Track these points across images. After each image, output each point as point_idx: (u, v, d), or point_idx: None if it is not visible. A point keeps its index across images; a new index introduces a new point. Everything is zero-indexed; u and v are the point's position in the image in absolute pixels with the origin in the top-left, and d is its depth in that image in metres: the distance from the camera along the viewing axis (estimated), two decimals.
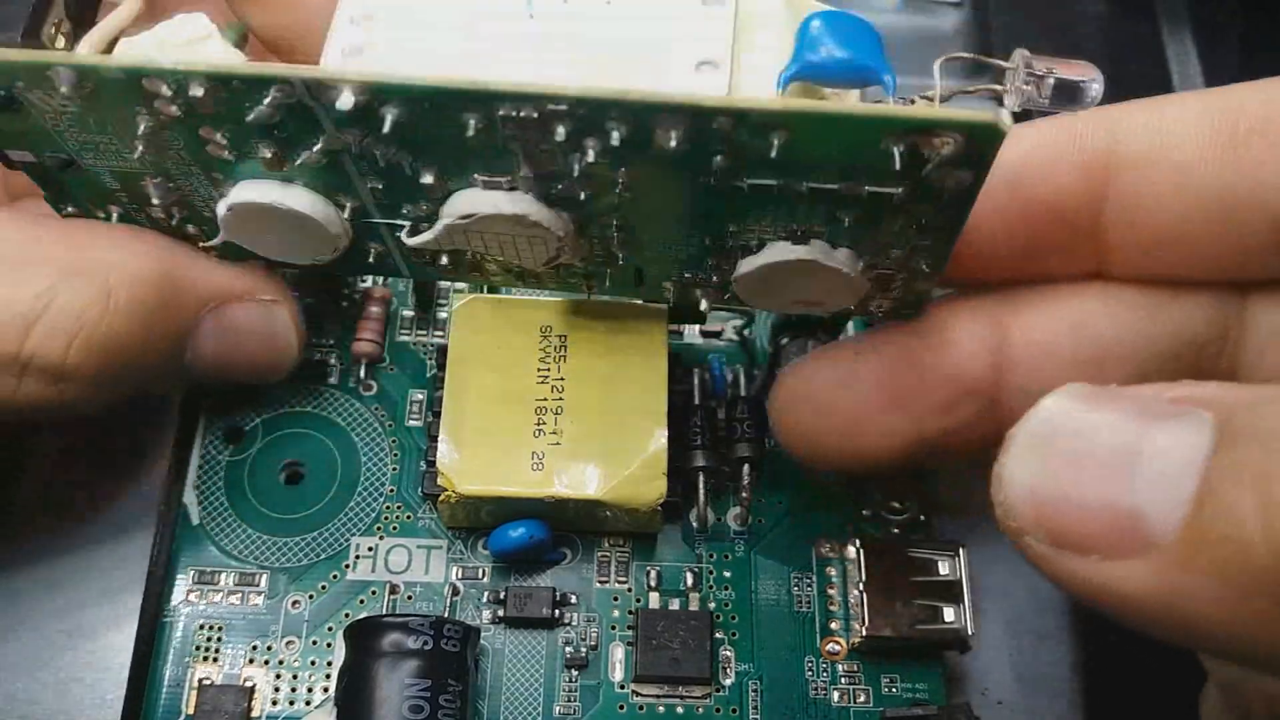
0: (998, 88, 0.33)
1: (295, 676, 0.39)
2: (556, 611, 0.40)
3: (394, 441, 0.43)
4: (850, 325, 0.45)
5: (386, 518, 0.42)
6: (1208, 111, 0.31)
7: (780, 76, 0.30)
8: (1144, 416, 0.25)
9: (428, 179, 0.31)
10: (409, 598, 0.41)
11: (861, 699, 0.40)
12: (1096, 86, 0.33)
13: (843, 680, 0.40)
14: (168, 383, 0.40)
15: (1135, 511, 0.24)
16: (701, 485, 0.41)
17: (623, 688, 0.40)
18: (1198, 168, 0.31)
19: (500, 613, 0.40)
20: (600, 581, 0.41)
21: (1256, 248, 0.32)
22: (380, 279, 0.46)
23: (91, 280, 0.35)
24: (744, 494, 0.42)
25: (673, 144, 0.28)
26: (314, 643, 0.40)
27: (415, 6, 0.32)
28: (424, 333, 0.45)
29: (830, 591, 0.41)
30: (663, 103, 0.27)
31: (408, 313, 0.45)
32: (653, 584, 0.41)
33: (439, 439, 0.39)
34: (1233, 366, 0.35)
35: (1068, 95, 0.33)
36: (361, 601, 0.41)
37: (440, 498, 0.39)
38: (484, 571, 0.41)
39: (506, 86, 0.28)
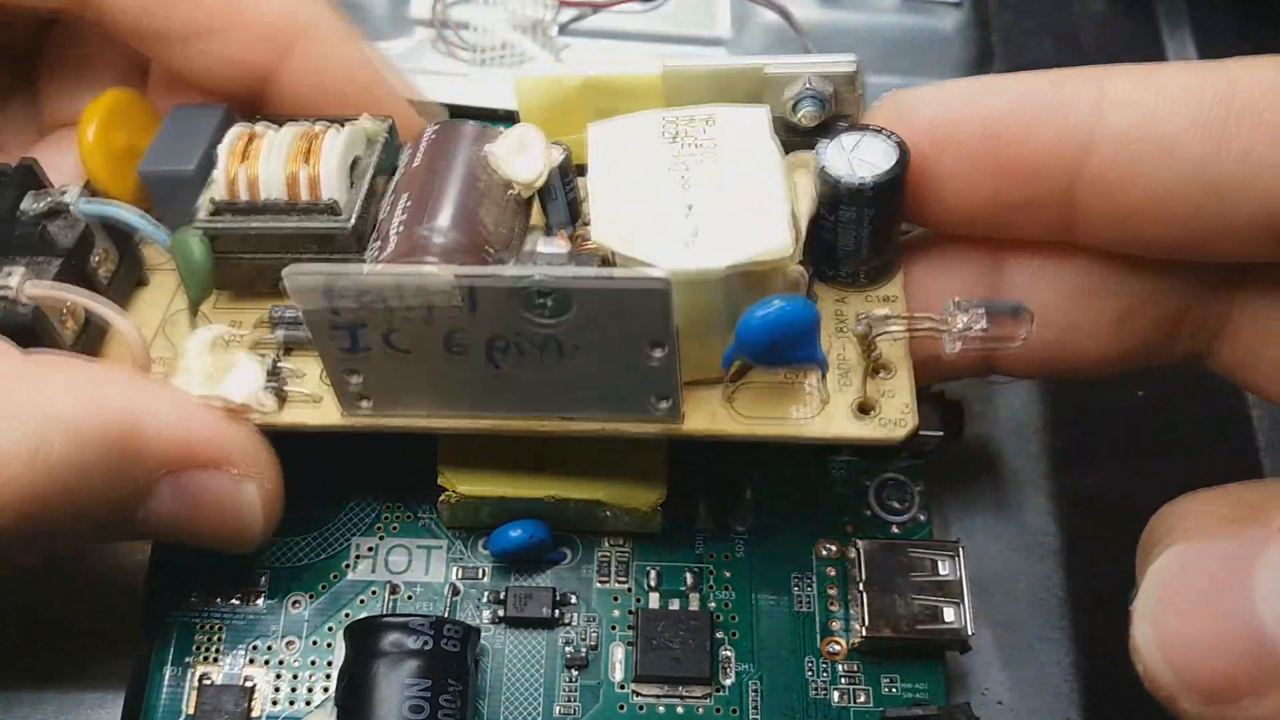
0: (940, 327, 0.35)
1: (295, 676, 0.39)
2: (556, 611, 0.40)
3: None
4: None
5: (387, 518, 0.42)
6: (1200, 86, 0.30)
7: (724, 355, 0.33)
8: (1251, 548, 0.25)
9: None
10: (409, 598, 0.41)
11: (861, 699, 0.40)
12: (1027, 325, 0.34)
13: (843, 680, 0.40)
14: (115, 539, 0.35)
15: (1261, 630, 0.24)
16: (701, 485, 0.41)
17: (623, 688, 0.40)
18: (1183, 146, 0.30)
19: (500, 613, 0.40)
20: (600, 581, 0.41)
21: (1237, 232, 0.31)
22: None
23: (23, 428, 0.30)
24: (744, 494, 0.42)
25: None
26: (314, 643, 0.40)
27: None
28: None
29: (830, 591, 0.41)
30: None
31: None
32: (653, 584, 0.41)
33: (439, 439, 0.39)
34: (1208, 347, 0.35)
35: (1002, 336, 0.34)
36: (362, 601, 0.41)
37: (440, 498, 0.39)
38: (484, 571, 0.41)
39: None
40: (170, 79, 0.41)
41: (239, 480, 0.35)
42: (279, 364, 0.37)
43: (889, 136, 0.35)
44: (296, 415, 0.36)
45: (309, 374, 0.37)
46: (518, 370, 0.33)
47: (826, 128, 0.37)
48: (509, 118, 0.50)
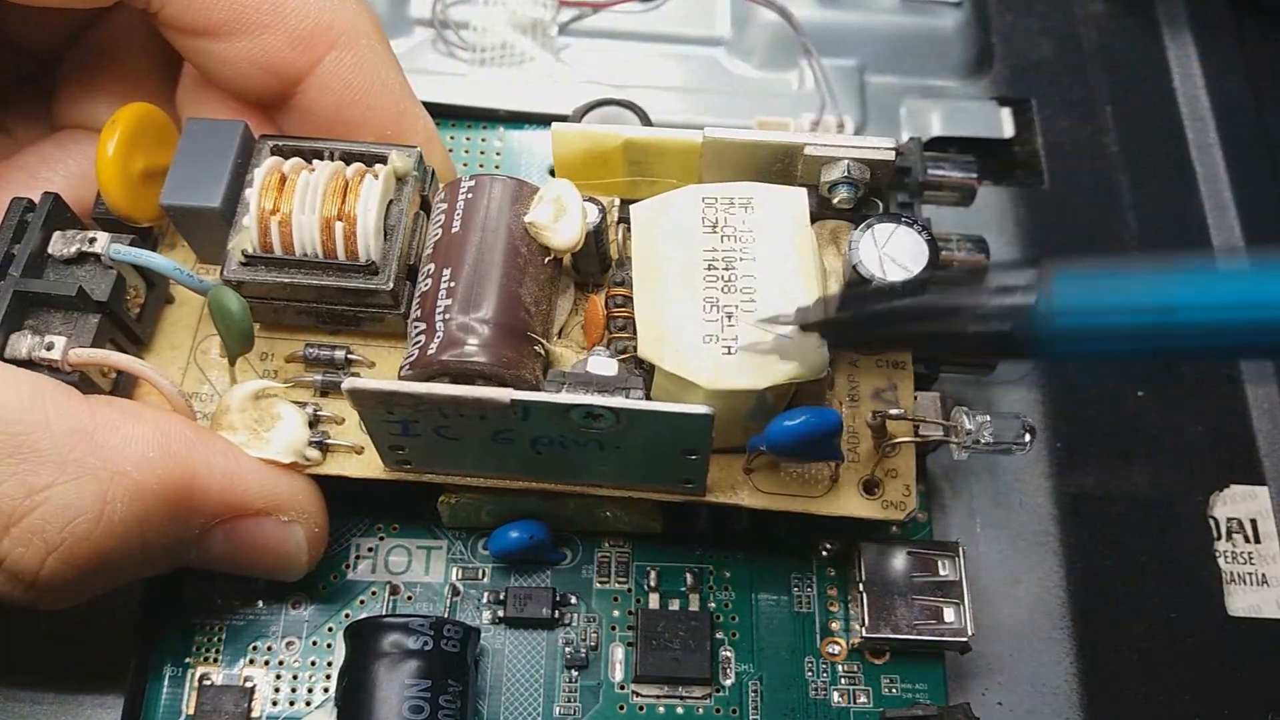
0: (951, 440, 0.38)
1: (295, 677, 0.39)
2: (556, 612, 0.40)
3: None
4: None
5: (387, 518, 0.42)
6: None
7: (750, 441, 0.36)
8: None
9: None
10: (409, 598, 0.41)
11: (861, 699, 0.40)
12: (1027, 439, 0.37)
13: (843, 681, 0.40)
14: (165, 572, 0.36)
15: None
16: None
17: (623, 688, 0.40)
18: None
19: (500, 613, 0.40)
20: (600, 582, 0.41)
21: None
22: None
23: (90, 485, 0.31)
24: None
25: None
26: (314, 643, 0.40)
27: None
28: None
29: (830, 592, 0.42)
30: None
31: None
32: (652, 584, 0.41)
33: None
34: None
35: (1008, 441, 0.37)
36: (362, 602, 0.41)
37: (441, 498, 0.39)
38: (484, 572, 0.41)
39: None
40: (200, 86, 0.41)
41: (287, 525, 0.36)
42: (319, 412, 0.37)
43: (920, 230, 0.36)
44: (341, 467, 0.37)
45: (348, 419, 0.38)
46: (558, 456, 0.35)
47: (860, 203, 0.39)
48: (509, 118, 0.50)
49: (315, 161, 0.38)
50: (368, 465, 0.37)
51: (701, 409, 0.32)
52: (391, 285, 0.36)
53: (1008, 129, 0.54)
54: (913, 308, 0.29)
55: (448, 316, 0.35)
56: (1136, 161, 0.54)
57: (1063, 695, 0.42)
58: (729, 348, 0.34)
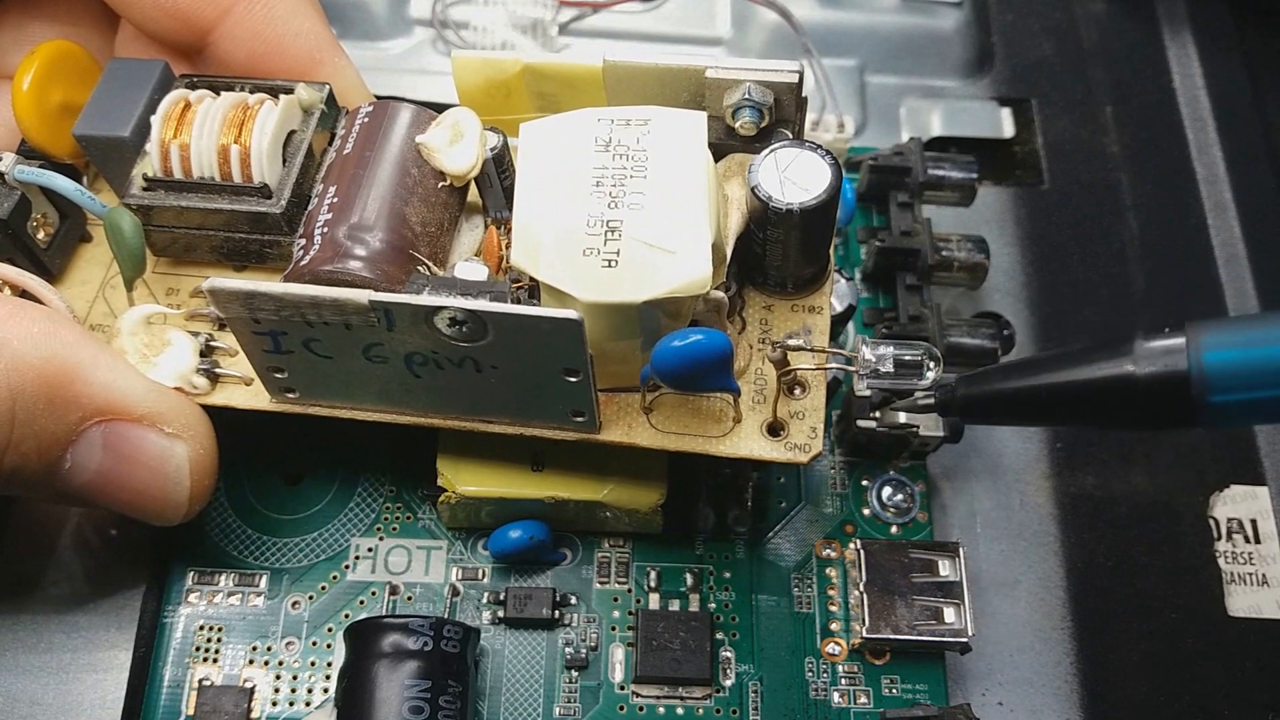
0: (849, 367, 0.36)
1: (295, 677, 0.39)
2: (556, 612, 0.40)
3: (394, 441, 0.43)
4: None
5: (386, 518, 0.42)
6: None
7: (641, 372, 0.34)
8: None
9: None
10: (409, 598, 0.41)
11: (862, 700, 0.40)
12: (932, 370, 0.35)
13: (843, 681, 0.40)
14: (44, 490, 0.34)
15: None
16: (702, 486, 0.41)
17: (623, 689, 0.39)
18: None
19: (500, 613, 0.40)
20: (600, 582, 0.41)
21: None
22: None
23: None
24: (744, 494, 0.42)
25: None
26: (314, 643, 0.40)
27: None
28: None
29: (830, 592, 0.41)
30: None
31: None
32: (653, 585, 0.41)
33: (438, 436, 0.39)
34: None
35: (909, 371, 0.35)
36: (361, 602, 0.41)
37: (440, 498, 0.39)
38: (484, 572, 0.41)
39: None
40: (135, 37, 0.41)
41: (170, 439, 0.35)
42: (212, 342, 0.37)
43: (824, 155, 0.34)
44: (228, 397, 0.36)
45: (241, 353, 0.36)
46: (437, 380, 0.34)
47: (768, 133, 0.37)
48: None
49: (223, 93, 0.38)
50: (255, 396, 0.36)
51: (569, 313, 0.30)
52: (283, 209, 0.36)
53: (1008, 129, 0.54)
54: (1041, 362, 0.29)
55: (325, 230, 0.34)
56: (1136, 161, 0.54)
57: (1063, 695, 0.42)
58: (610, 261, 0.32)
